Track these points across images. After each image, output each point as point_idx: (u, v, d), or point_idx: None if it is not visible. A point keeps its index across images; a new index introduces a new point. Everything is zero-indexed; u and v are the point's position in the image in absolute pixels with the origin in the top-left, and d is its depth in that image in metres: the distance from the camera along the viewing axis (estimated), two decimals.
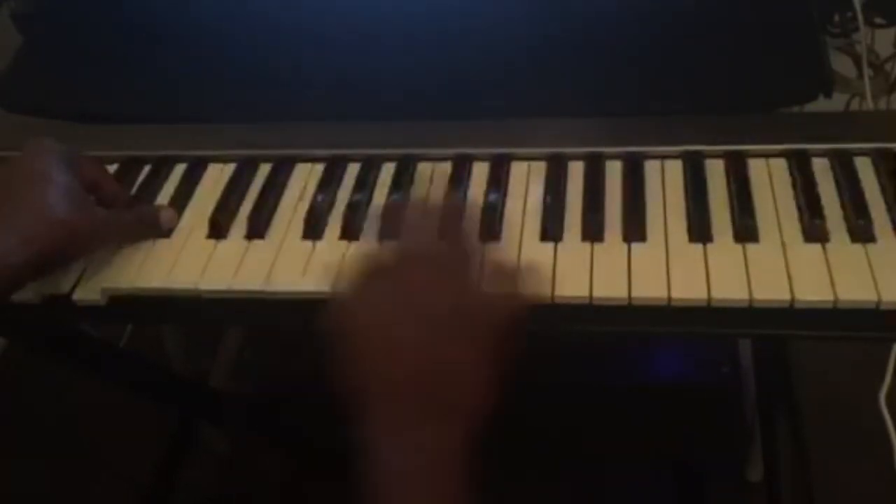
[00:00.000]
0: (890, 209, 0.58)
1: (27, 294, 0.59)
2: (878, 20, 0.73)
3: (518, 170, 0.65)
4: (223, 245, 0.62)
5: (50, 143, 0.59)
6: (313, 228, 0.62)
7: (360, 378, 0.46)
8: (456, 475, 0.45)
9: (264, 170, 0.68)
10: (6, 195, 0.55)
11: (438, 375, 0.46)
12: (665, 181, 0.62)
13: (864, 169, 0.61)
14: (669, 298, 0.54)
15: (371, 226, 0.61)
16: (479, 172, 0.65)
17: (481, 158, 0.66)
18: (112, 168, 0.69)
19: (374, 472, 0.44)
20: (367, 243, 0.59)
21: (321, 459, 1.21)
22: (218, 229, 0.63)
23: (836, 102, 0.71)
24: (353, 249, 0.60)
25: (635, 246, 0.58)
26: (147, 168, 0.70)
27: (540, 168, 0.65)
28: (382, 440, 0.45)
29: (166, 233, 0.63)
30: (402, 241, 0.52)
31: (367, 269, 0.50)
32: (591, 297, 0.55)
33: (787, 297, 0.53)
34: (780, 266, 0.55)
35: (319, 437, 1.19)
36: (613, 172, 0.63)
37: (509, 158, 0.65)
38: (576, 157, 0.65)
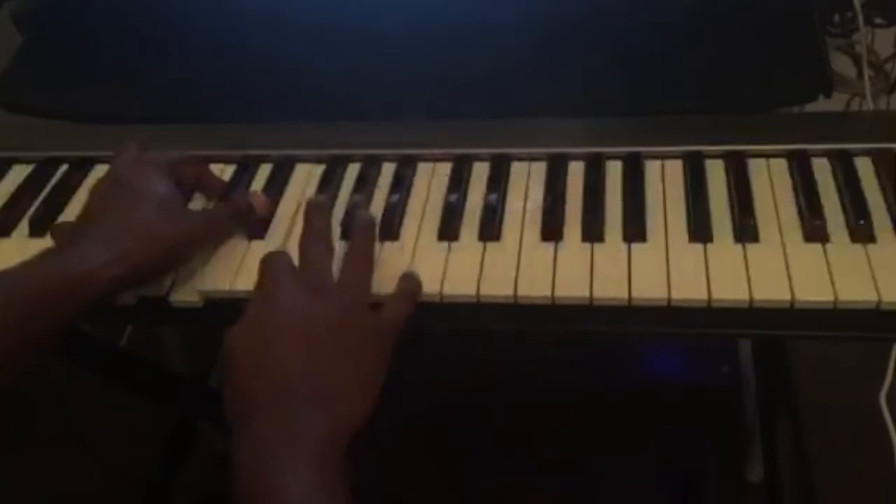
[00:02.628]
0: (890, 209, 0.58)
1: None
2: (878, 20, 0.73)
3: (518, 170, 0.65)
4: (223, 245, 0.62)
5: (146, 152, 0.61)
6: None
7: (240, 383, 0.49)
8: (330, 470, 0.47)
9: (264, 170, 0.68)
10: (105, 210, 0.57)
11: (312, 379, 0.49)
12: (665, 181, 0.62)
13: (864, 169, 0.61)
14: (669, 298, 0.54)
15: None
16: (479, 172, 0.65)
17: (481, 158, 0.66)
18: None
19: (253, 476, 0.46)
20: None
21: None
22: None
23: (836, 102, 0.71)
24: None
25: (635, 246, 0.58)
26: None
27: (540, 168, 0.65)
28: (261, 444, 0.47)
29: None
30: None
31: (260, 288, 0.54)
32: (591, 297, 0.55)
33: (787, 297, 0.53)
34: (780, 266, 0.55)
35: None
36: (613, 172, 0.63)
37: (509, 158, 0.65)
38: (576, 157, 0.65)
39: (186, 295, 0.58)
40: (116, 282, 0.54)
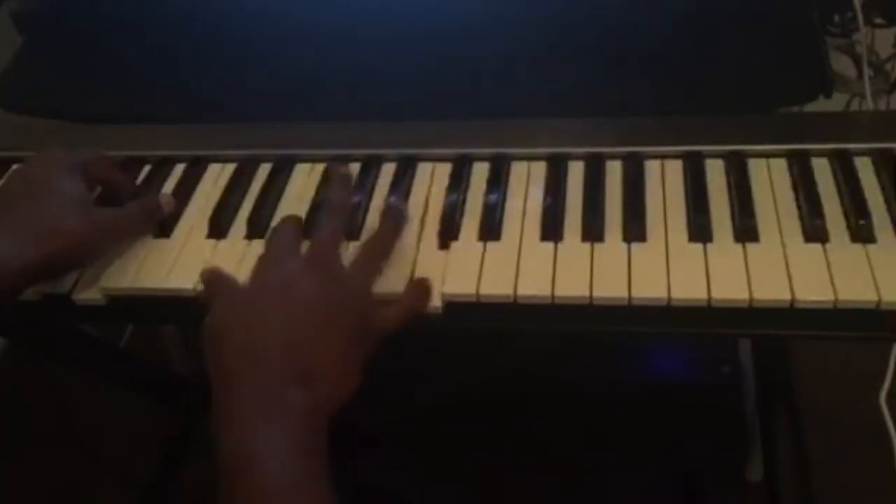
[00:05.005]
0: (890, 209, 0.58)
1: (28, 293, 0.59)
2: (878, 20, 0.73)
3: (518, 170, 0.65)
4: (223, 245, 0.62)
5: (57, 151, 0.61)
6: (314, 228, 0.62)
7: (226, 350, 0.50)
8: (307, 444, 0.47)
9: (264, 170, 0.68)
10: (13, 204, 0.57)
11: (294, 355, 0.49)
12: (665, 181, 0.62)
13: (864, 169, 0.61)
14: (669, 298, 0.54)
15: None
16: (479, 172, 0.65)
17: (481, 158, 0.66)
18: (113, 160, 0.69)
19: (232, 446, 0.46)
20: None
21: None
22: (218, 229, 0.63)
23: (836, 102, 0.71)
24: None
25: (635, 246, 0.57)
26: (147, 168, 0.70)
27: (540, 168, 0.65)
28: (240, 414, 0.47)
29: (166, 217, 0.64)
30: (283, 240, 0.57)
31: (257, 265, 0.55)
32: (590, 297, 0.55)
33: (787, 297, 0.53)
34: (780, 266, 0.55)
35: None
36: (613, 172, 0.63)
37: (509, 158, 0.65)
38: (576, 157, 0.65)
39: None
40: (20, 275, 0.54)
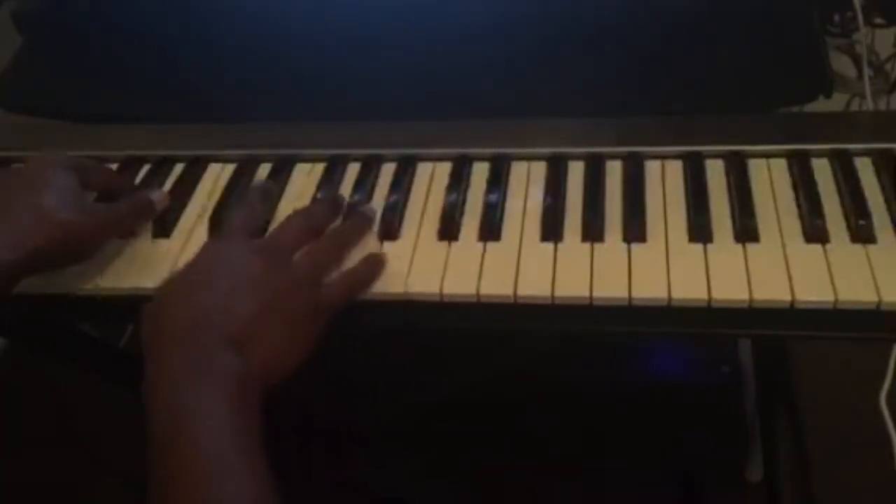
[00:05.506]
0: (890, 209, 0.58)
1: (28, 293, 0.59)
2: (878, 20, 0.73)
3: (518, 170, 0.65)
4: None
5: (54, 153, 0.62)
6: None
7: (163, 316, 0.51)
8: (241, 411, 0.48)
9: (264, 170, 0.68)
10: (4, 198, 0.58)
11: (230, 321, 0.50)
12: (665, 181, 0.62)
13: (864, 169, 0.61)
14: (669, 298, 0.54)
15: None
16: (479, 172, 0.65)
17: (481, 158, 0.66)
18: (112, 168, 0.69)
19: (161, 407, 0.47)
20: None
21: (320, 456, 1.21)
22: (218, 229, 0.63)
23: (836, 102, 0.71)
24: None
25: (635, 246, 0.58)
26: (147, 168, 0.70)
27: (540, 168, 0.65)
28: (170, 376, 0.48)
29: (160, 213, 0.64)
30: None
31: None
32: (591, 297, 0.55)
33: (787, 297, 0.53)
34: (780, 266, 0.55)
35: (317, 433, 1.19)
36: (613, 172, 0.63)
37: (509, 158, 0.65)
38: (576, 157, 0.65)
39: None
40: (10, 267, 0.54)
